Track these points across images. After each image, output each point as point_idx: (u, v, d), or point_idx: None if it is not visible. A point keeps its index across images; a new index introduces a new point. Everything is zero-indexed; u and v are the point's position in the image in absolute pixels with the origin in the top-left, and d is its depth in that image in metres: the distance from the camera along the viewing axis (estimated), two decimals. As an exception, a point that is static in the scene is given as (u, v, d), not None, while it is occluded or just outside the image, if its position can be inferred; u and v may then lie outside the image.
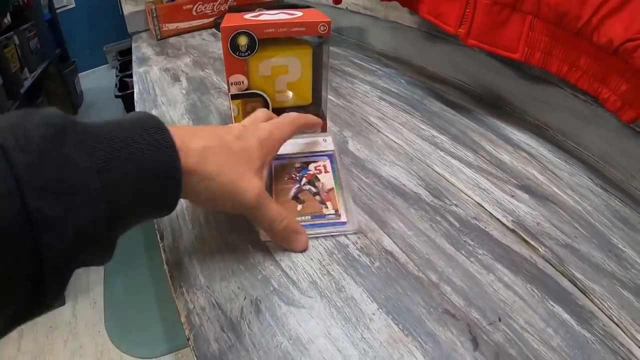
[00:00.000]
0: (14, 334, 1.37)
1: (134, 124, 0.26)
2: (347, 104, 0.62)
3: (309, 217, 0.39)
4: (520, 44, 0.49)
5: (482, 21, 0.51)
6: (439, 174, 0.44)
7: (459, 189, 0.41)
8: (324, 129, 0.51)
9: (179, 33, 1.28)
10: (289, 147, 0.44)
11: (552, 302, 0.30)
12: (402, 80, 0.71)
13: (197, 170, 0.28)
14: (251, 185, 0.31)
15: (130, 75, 2.64)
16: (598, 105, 0.46)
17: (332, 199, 0.40)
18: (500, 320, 0.28)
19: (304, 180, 0.42)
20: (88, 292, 1.52)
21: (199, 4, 1.27)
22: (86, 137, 0.22)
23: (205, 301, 0.31)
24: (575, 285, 0.31)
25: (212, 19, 1.30)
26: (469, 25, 0.53)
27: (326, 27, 0.42)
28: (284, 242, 0.35)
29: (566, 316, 0.29)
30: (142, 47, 1.22)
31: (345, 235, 0.36)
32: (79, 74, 3.41)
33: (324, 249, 0.35)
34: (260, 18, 0.44)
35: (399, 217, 0.38)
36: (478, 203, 0.39)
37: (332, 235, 0.36)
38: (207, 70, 0.84)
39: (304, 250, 0.35)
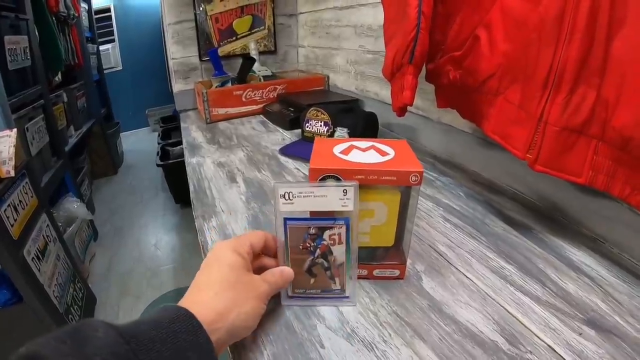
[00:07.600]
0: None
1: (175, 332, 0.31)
2: (414, 227, 0.60)
3: (319, 290, 0.45)
4: (585, 167, 0.49)
5: (551, 147, 0.51)
6: (511, 314, 0.44)
7: (531, 331, 0.41)
8: (402, 272, 0.49)
9: (228, 118, 1.32)
10: (305, 203, 0.41)
11: None
12: (461, 193, 0.71)
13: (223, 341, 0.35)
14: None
15: (172, 145, 2.74)
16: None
17: (340, 274, 0.44)
18: None
19: (318, 252, 0.43)
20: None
21: (249, 91, 1.32)
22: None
23: None
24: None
25: (260, 106, 1.34)
26: (537, 151, 0.52)
27: (418, 178, 0.41)
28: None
29: None
30: (191, 130, 1.25)
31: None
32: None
33: None
34: (349, 157, 0.44)
35: (481, 371, 0.37)
36: (550, 347, 0.40)
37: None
38: (263, 172, 0.84)
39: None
